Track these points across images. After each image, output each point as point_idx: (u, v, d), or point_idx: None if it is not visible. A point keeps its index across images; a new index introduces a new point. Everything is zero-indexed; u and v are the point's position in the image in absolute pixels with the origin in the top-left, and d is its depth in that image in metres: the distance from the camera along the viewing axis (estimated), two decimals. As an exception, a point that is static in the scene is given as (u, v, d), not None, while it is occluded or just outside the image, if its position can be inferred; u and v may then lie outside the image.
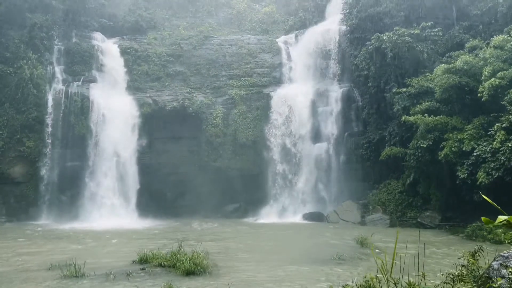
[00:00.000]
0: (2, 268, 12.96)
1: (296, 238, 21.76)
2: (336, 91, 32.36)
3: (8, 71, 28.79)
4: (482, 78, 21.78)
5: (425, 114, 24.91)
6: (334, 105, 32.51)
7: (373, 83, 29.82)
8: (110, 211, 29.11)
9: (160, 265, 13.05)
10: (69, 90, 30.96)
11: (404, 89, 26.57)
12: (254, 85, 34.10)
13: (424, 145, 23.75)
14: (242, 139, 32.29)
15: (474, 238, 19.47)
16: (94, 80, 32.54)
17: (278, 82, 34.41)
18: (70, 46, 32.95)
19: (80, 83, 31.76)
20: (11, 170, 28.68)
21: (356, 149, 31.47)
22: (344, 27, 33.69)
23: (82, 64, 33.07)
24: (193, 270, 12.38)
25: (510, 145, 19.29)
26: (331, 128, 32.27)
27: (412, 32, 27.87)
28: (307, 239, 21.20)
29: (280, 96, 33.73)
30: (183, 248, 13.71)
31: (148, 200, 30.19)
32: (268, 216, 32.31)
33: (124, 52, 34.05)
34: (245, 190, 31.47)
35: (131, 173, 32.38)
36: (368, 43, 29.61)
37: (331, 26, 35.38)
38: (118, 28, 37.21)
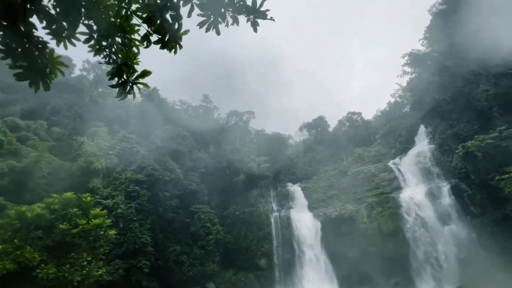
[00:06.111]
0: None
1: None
2: (445, 186, 25.78)
3: (254, 209, 33.99)
4: None
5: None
6: (447, 196, 24.44)
7: (475, 176, 22.12)
8: (313, 284, 25.91)
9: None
10: (280, 214, 33.19)
11: (507, 176, 18.66)
12: (382, 193, 29.65)
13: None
14: (385, 230, 26.70)
15: None
16: (291, 207, 35.81)
17: (398, 188, 29.31)
18: (277, 192, 40.11)
19: (285, 209, 34.38)
20: (259, 262, 30.66)
21: (483, 227, 21.61)
22: (432, 146, 28.20)
23: (284, 199, 37.79)
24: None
25: None
26: (450, 212, 23.85)
27: (492, 135, 20.92)
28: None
29: (404, 197, 27.24)
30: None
31: (348, 276, 26.60)
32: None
33: (303, 189, 39.99)
34: (396, 269, 24.15)
35: (322, 258, 29.39)
36: (457, 151, 23.14)
37: (422, 148, 31.90)
38: (297, 178, 40.17)
